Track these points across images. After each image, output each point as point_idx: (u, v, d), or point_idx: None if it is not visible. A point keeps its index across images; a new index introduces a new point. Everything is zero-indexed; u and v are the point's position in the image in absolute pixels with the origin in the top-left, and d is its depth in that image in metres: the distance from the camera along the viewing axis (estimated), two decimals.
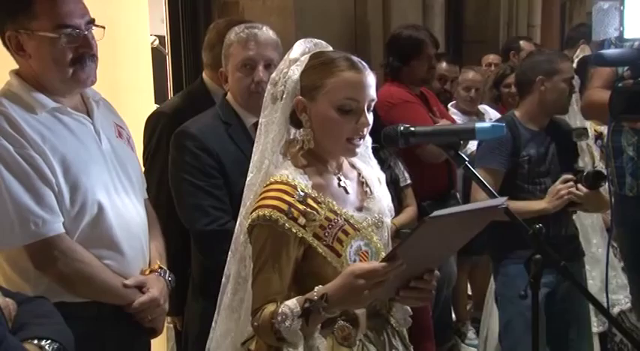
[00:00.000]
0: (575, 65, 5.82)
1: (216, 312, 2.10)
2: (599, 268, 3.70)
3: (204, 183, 2.52)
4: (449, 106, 4.97)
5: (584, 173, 3.16)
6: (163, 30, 4.21)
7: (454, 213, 1.80)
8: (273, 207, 1.88)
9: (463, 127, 2.11)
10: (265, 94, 2.04)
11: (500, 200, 1.84)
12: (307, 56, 1.99)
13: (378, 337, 2.04)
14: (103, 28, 2.24)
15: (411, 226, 3.54)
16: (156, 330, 2.37)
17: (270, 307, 1.86)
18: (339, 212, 1.96)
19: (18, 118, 2.08)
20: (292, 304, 1.83)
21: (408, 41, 4.00)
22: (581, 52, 5.91)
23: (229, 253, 2.07)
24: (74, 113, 2.22)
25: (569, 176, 3.20)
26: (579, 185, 3.17)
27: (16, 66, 2.22)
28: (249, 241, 1.97)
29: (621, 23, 2.61)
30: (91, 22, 2.19)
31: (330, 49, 2.06)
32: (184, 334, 2.88)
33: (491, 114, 5.01)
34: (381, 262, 1.79)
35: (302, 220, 1.89)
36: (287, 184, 1.92)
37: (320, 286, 1.83)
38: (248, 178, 2.04)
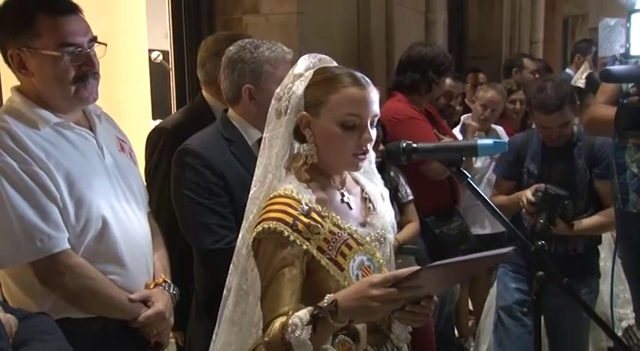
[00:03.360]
0: (584, 82, 5.87)
1: (217, 324, 2.08)
2: (608, 283, 3.69)
3: (209, 201, 2.48)
4: (462, 118, 4.94)
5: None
6: (167, 45, 4.23)
7: (454, 262, 1.75)
8: (278, 219, 1.87)
9: (465, 144, 2.12)
10: (270, 109, 2.04)
11: (505, 250, 1.81)
12: (311, 72, 1.99)
13: None
14: (105, 45, 2.24)
15: (414, 241, 3.54)
16: (161, 344, 2.36)
17: (281, 319, 1.82)
18: (342, 227, 1.96)
19: (21, 134, 2.09)
20: (302, 313, 1.79)
21: (437, 60, 4.01)
22: (587, 69, 5.95)
23: (231, 265, 2.06)
24: (77, 128, 2.22)
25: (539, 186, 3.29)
26: (527, 196, 3.26)
27: (17, 83, 2.22)
28: (252, 254, 1.96)
29: (627, 40, 2.62)
30: (94, 39, 2.19)
31: (335, 64, 2.06)
32: None
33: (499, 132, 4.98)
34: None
35: (306, 233, 1.88)
36: (291, 197, 1.92)
37: (330, 294, 1.80)
38: (251, 192, 2.03)
